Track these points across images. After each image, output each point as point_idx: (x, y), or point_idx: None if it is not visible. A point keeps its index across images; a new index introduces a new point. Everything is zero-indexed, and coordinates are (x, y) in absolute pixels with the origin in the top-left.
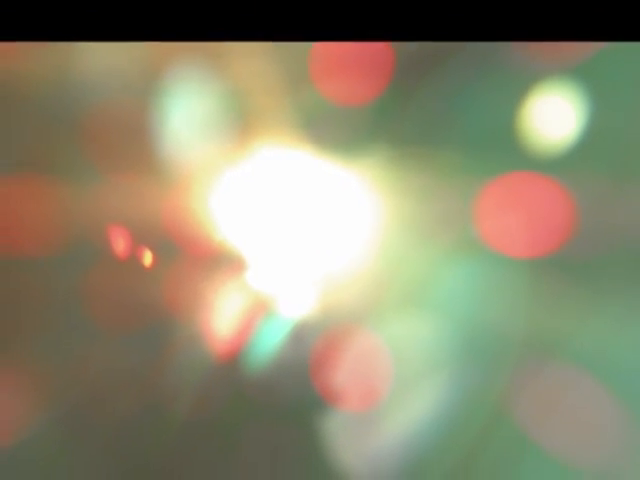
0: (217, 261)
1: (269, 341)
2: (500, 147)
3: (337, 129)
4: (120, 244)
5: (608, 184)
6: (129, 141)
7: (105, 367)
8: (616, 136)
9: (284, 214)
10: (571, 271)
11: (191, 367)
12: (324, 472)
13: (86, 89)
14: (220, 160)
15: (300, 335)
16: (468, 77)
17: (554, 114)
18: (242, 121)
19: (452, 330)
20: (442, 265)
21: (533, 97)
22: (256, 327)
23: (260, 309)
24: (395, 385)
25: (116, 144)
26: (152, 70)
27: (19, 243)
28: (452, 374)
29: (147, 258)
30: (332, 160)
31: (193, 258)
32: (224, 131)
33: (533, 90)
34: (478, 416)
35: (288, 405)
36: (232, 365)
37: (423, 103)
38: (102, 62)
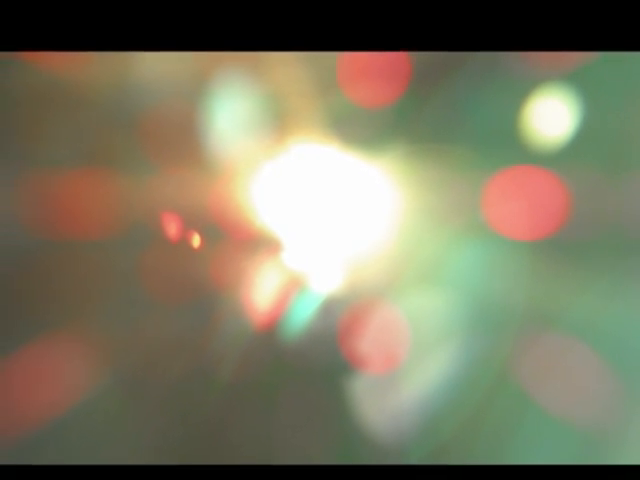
0: (257, 243)
1: (302, 313)
2: (504, 144)
3: (361, 128)
4: (172, 228)
5: (599, 176)
6: (180, 138)
7: (159, 336)
8: (606, 134)
9: (315, 202)
10: (566, 252)
11: (234, 336)
12: (351, 427)
13: (143, 93)
14: (259, 155)
15: (329, 308)
16: (476, 82)
17: (551, 115)
18: (278, 121)
19: (462, 303)
20: (454, 247)
21: (533, 100)
22: (291, 301)
23: (294, 285)
24: (412, 351)
25: (169, 141)
26: (200, 76)
27: (85, 227)
28: (462, 342)
29: (196, 241)
30: (357, 155)
31: (236, 241)
32: (263, 130)
33: (533, 94)
34: (485, 378)
35: (319, 369)
36: (270, 334)
37: (437, 105)
38: (157, 69)
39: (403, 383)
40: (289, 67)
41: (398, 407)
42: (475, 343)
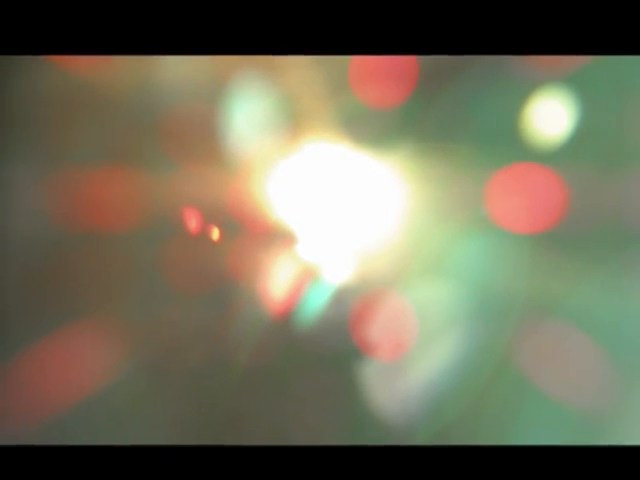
0: (272, 237)
1: (315, 302)
2: (506, 143)
3: (371, 127)
4: (192, 222)
5: (595, 173)
6: (200, 137)
7: (179, 324)
8: (601, 133)
9: (327, 198)
10: (564, 245)
11: (251, 324)
12: (361, 410)
13: (165, 95)
14: (275, 153)
15: (341, 297)
16: (479, 84)
17: (551, 115)
18: (292, 121)
19: (466, 293)
20: (458, 240)
21: (533, 101)
22: (304, 291)
23: (307, 276)
24: (419, 338)
25: (189, 140)
26: (219, 78)
27: (110, 222)
28: (466, 329)
29: (214, 234)
30: (367, 153)
31: (253, 234)
32: (278, 129)
33: (533, 95)
34: (487, 364)
35: (331, 355)
36: (285, 322)
37: (442, 106)
38: (178, 72)
39: (410, 368)
40: (302, 70)
41: (406, 391)
42: (478, 331)
